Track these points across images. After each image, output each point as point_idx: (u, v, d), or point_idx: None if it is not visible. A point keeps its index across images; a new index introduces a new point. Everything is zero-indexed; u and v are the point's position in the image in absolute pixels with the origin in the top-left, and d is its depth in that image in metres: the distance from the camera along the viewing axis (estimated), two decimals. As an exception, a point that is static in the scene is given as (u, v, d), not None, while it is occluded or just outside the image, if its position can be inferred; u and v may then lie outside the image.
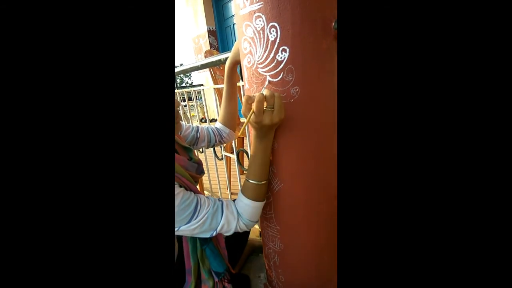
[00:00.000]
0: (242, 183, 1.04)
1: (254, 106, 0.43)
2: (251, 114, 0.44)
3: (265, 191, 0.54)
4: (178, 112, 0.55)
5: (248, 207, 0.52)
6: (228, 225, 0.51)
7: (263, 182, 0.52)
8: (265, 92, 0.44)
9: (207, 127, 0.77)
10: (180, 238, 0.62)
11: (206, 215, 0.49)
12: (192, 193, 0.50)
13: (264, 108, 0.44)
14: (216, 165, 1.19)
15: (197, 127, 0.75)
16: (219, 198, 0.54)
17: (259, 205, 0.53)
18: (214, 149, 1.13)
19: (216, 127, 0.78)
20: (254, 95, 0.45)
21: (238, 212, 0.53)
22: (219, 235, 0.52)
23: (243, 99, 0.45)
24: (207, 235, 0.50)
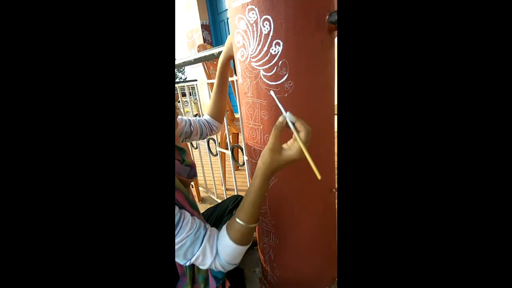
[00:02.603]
0: (236, 179, 1.04)
1: (303, 137, 0.38)
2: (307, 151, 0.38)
3: (252, 235, 0.48)
4: (177, 107, 0.52)
5: (228, 249, 0.45)
6: (203, 258, 0.45)
7: (252, 225, 0.46)
8: (305, 124, 0.39)
9: (198, 120, 0.77)
10: None
11: (185, 240, 0.43)
12: (177, 207, 0.45)
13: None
14: (210, 161, 1.19)
15: (189, 120, 0.74)
16: (205, 225, 0.48)
17: (241, 249, 0.47)
18: (208, 145, 1.12)
19: (206, 120, 0.78)
20: (281, 122, 0.40)
21: (217, 251, 0.46)
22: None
23: (274, 132, 0.40)
24: (179, 261, 0.45)
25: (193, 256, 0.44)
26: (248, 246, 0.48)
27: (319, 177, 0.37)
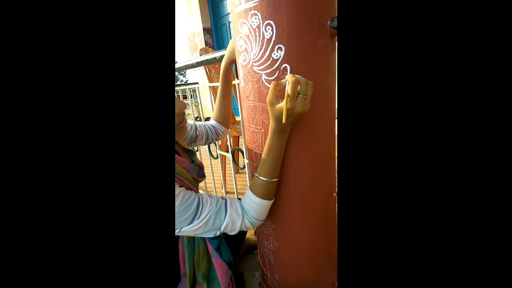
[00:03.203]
0: (237, 182, 1.04)
1: (289, 89, 0.40)
2: (287, 99, 0.41)
3: (275, 189, 0.52)
4: (185, 114, 0.52)
5: (256, 205, 0.50)
6: (232, 224, 0.49)
7: (274, 179, 0.50)
8: (298, 76, 0.41)
9: (204, 125, 0.77)
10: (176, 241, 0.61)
11: (209, 214, 0.47)
12: (193, 192, 0.48)
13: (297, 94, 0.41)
14: (211, 164, 1.19)
15: (195, 125, 0.74)
16: (222, 197, 0.52)
17: (267, 203, 0.51)
18: (209, 148, 1.12)
19: (211, 125, 0.79)
20: (282, 81, 0.43)
21: (244, 209, 0.51)
22: None
23: (271, 86, 0.43)
24: (211, 235, 0.49)
25: (222, 224, 0.49)
26: (272, 201, 0.53)
27: (284, 121, 0.42)
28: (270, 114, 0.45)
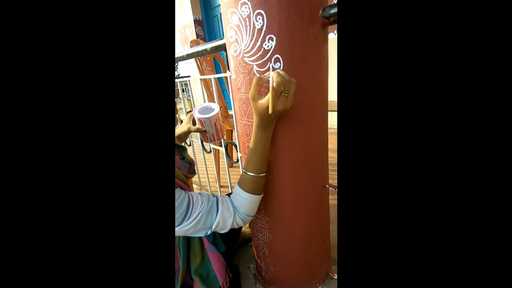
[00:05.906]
0: (231, 176, 1.04)
1: (273, 87, 0.40)
2: (273, 94, 0.40)
3: (263, 183, 0.52)
4: (175, 105, 0.52)
5: (245, 201, 0.50)
6: (223, 222, 0.49)
7: (262, 174, 0.50)
8: (282, 74, 0.40)
9: None
10: None
11: (200, 214, 0.46)
12: (183, 191, 0.47)
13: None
14: (204, 158, 1.18)
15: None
16: (213, 194, 0.51)
17: (257, 198, 0.51)
18: (202, 142, 1.11)
19: None
20: (265, 75, 0.42)
21: (234, 207, 0.51)
22: None
23: (253, 80, 0.42)
24: (201, 234, 0.48)
25: (213, 223, 0.48)
26: (261, 195, 0.52)
27: (270, 111, 0.41)
28: (253, 110, 0.45)
